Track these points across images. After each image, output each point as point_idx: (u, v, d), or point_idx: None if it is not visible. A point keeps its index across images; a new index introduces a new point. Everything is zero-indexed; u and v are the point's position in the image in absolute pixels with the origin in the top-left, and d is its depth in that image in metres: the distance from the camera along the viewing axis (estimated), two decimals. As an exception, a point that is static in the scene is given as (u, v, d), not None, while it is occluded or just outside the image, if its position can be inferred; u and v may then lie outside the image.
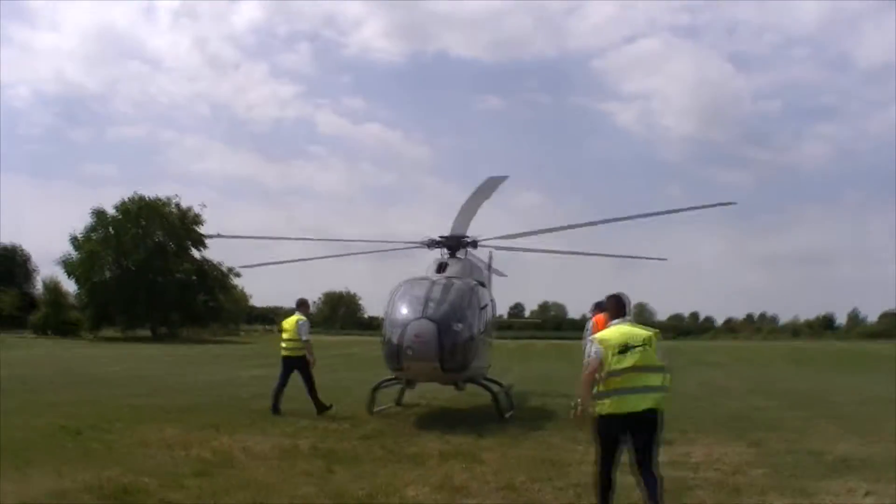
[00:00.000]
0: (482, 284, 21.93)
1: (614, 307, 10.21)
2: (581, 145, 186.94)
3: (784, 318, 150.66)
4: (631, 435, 9.46)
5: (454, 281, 20.27)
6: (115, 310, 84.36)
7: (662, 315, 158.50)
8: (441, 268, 21.52)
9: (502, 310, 23.38)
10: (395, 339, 18.60)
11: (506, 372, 22.49)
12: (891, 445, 15.93)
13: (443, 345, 18.22)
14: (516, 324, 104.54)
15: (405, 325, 18.54)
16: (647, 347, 9.55)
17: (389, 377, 20.27)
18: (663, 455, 10.80)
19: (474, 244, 23.14)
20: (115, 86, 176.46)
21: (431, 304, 18.87)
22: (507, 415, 19.88)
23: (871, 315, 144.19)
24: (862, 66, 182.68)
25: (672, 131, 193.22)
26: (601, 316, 14.52)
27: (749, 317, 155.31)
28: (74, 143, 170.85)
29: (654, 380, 9.60)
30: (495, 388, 20.68)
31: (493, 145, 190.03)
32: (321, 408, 19.98)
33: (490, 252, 25.83)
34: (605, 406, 9.42)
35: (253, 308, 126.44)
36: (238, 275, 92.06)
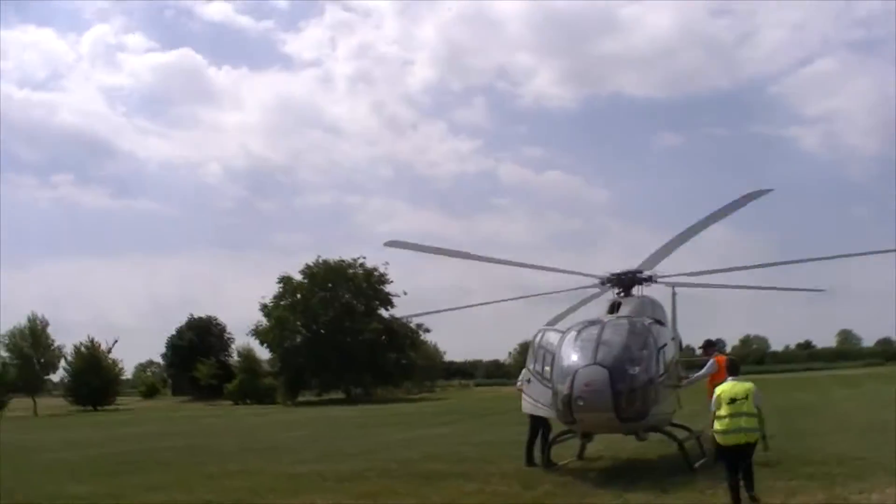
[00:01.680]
0: (660, 323, 19.62)
1: (730, 367, 14.71)
2: (764, 174, 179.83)
3: None
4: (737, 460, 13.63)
5: (627, 321, 18.32)
6: (308, 373, 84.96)
7: (869, 340, 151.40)
8: (614, 308, 19.65)
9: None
10: (564, 389, 16.87)
11: (696, 416, 20.26)
12: None
13: (617, 392, 16.38)
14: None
15: (574, 372, 16.80)
16: (746, 400, 13.62)
17: (565, 430, 18.31)
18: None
19: (651, 280, 20.99)
20: (299, 156, 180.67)
21: (602, 348, 17.08)
22: (698, 464, 17.59)
23: None
24: None
25: (858, 150, 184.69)
26: (721, 357, 18.18)
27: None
28: (264, 213, 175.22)
29: (749, 422, 13.57)
30: (682, 434, 18.49)
31: (674, 183, 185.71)
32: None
33: (673, 289, 23.63)
34: (720, 438, 13.70)
35: (452, 363, 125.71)
36: (428, 330, 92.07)
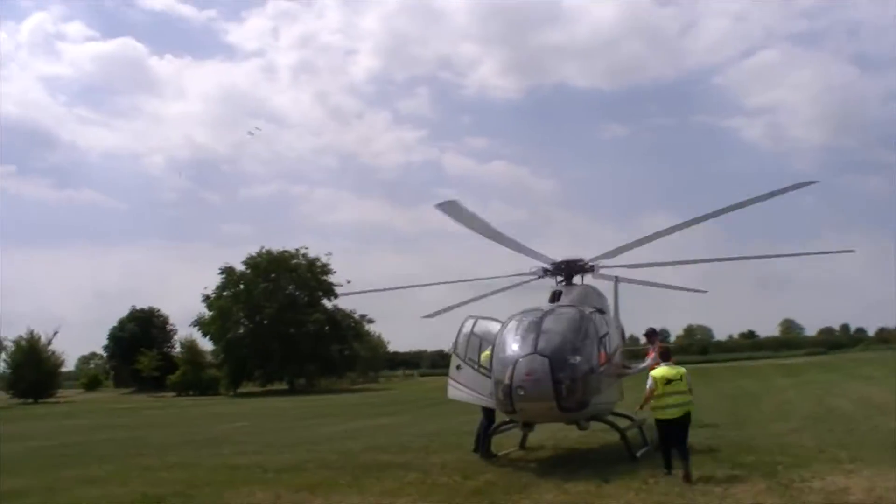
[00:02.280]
0: (602, 312, 19.55)
1: (664, 354, 16.46)
2: (710, 164, 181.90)
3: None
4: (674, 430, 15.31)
5: (568, 310, 18.25)
6: (251, 365, 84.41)
7: (811, 329, 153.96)
8: (555, 297, 19.60)
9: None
10: (505, 379, 16.68)
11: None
12: None
13: (557, 381, 16.28)
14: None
15: (514, 362, 16.65)
16: (680, 381, 15.58)
17: (506, 420, 18.21)
18: (817, 491, 13.12)
19: (592, 269, 20.96)
20: (242, 146, 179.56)
21: (543, 337, 16.98)
22: (640, 453, 17.62)
23: None
24: None
25: (802, 142, 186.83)
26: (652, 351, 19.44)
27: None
28: (208, 204, 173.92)
29: (683, 399, 15.56)
30: (624, 423, 18.48)
31: (620, 173, 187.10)
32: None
33: (616, 279, 23.63)
34: (658, 413, 15.53)
35: (396, 354, 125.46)
36: (371, 321, 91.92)
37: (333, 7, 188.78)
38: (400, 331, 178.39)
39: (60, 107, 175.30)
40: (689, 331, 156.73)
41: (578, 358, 16.77)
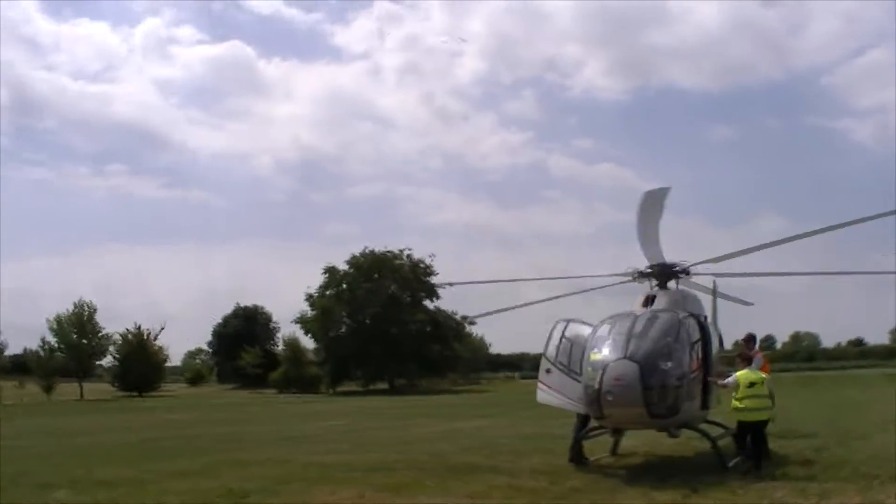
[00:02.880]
0: (696, 317, 19.06)
1: (746, 359, 17.49)
2: (820, 166, 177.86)
3: None
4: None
5: (660, 314, 17.86)
6: (352, 364, 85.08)
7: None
8: (648, 301, 19.17)
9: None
10: (594, 384, 16.40)
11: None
12: None
13: (647, 387, 15.94)
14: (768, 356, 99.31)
15: (604, 366, 16.37)
16: (761, 385, 16.56)
17: (595, 425, 17.87)
18: None
19: (686, 272, 20.49)
20: (349, 147, 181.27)
21: (633, 342, 16.65)
22: (732, 463, 17.09)
23: None
24: None
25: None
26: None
27: None
28: (315, 204, 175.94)
29: (763, 403, 16.58)
30: (716, 432, 18.00)
31: (728, 174, 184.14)
32: None
33: (714, 281, 23.10)
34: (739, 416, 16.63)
35: (499, 356, 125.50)
36: (473, 323, 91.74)
37: (439, 8, 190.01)
38: (503, 333, 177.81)
39: (172, 108, 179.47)
40: (796, 337, 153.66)
41: (669, 364, 16.40)
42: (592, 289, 22.78)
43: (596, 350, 17.04)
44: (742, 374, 16.65)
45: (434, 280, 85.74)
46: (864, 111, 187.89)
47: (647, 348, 16.49)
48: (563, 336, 18.86)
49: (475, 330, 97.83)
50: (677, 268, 20.30)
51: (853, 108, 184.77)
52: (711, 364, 17.81)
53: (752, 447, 16.58)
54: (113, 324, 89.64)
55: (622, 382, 15.90)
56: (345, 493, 15.12)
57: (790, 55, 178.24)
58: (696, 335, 17.68)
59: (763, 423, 16.68)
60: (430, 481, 16.36)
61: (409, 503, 14.14)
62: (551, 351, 18.91)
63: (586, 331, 18.40)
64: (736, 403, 16.60)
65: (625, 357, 16.27)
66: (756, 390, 16.42)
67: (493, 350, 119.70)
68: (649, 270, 20.31)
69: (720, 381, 17.51)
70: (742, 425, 16.70)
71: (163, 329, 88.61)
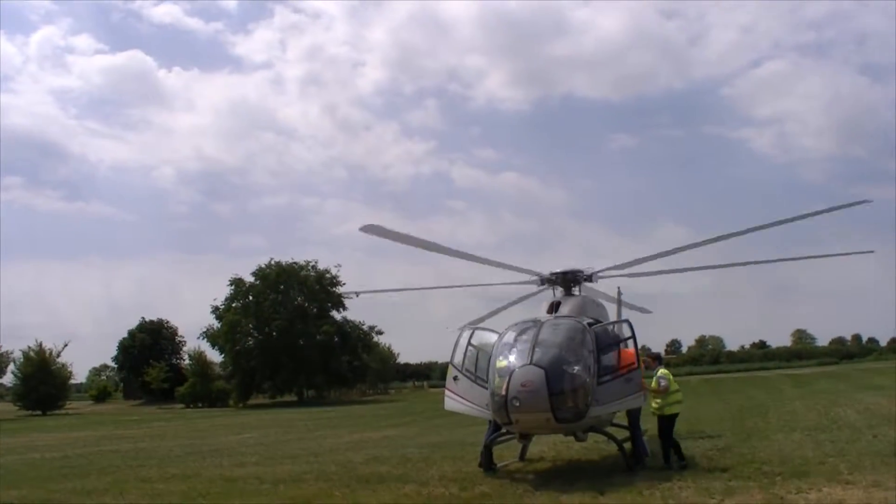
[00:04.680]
0: (600, 322, 19.36)
1: (660, 359, 18.82)
2: (719, 174, 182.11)
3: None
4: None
5: (565, 321, 18.12)
6: (260, 376, 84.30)
7: (823, 340, 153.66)
8: (553, 308, 19.40)
9: (658, 348, 21.59)
10: (501, 391, 16.55)
11: (646, 414, 20.37)
12: None
13: (553, 392, 16.11)
14: (672, 361, 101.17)
15: (510, 373, 16.52)
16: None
17: (504, 431, 18.03)
18: (813, 503, 12.86)
19: (588, 278, 20.84)
20: (252, 158, 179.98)
21: (539, 349, 16.83)
22: (644, 462, 17.47)
23: None
24: None
25: (812, 152, 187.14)
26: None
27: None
28: (219, 216, 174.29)
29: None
30: (623, 435, 18.29)
31: (629, 183, 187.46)
32: None
33: (619, 288, 23.54)
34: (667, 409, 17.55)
35: (407, 365, 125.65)
36: (381, 332, 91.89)
37: (341, 19, 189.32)
38: (411, 343, 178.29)
39: (71, 119, 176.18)
40: (702, 341, 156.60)
41: (575, 369, 16.62)
42: (517, 301, 22.86)
43: (502, 357, 17.23)
44: (668, 373, 18.04)
45: (340, 290, 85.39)
46: (762, 121, 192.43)
47: (553, 354, 16.69)
48: (469, 343, 18.98)
49: (383, 340, 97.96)
50: (581, 274, 20.61)
51: (752, 118, 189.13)
52: (618, 368, 18.04)
53: (669, 442, 17.74)
54: (15, 341, 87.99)
55: (528, 388, 16.04)
56: (252, 506, 15.06)
57: (690, 66, 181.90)
58: (602, 341, 17.95)
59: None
60: (339, 492, 16.38)
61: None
62: (458, 358, 19.01)
63: (492, 338, 18.56)
64: (675, 397, 17.85)
65: (530, 363, 16.42)
66: (676, 385, 18.05)
67: (402, 360, 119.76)
68: (553, 277, 20.59)
69: (653, 386, 17.83)
70: (670, 420, 17.70)
71: (66, 346, 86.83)
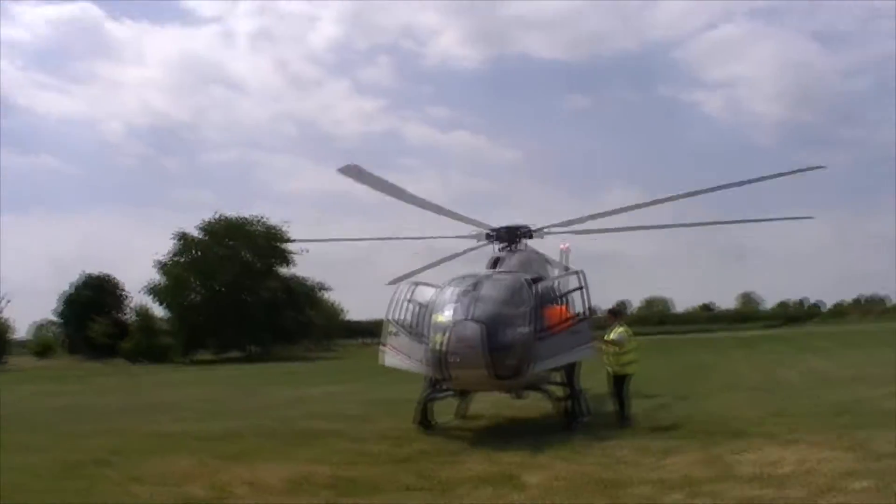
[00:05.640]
0: (544, 279, 19.20)
1: (617, 315, 19.12)
2: (671, 137, 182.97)
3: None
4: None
5: (505, 276, 17.97)
6: (206, 332, 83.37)
7: (771, 302, 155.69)
8: (495, 263, 19.22)
9: (605, 308, 21.61)
10: (438, 346, 16.35)
11: (593, 373, 20.34)
12: None
13: (492, 349, 15.94)
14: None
15: (449, 328, 16.34)
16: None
17: (442, 388, 17.84)
18: (750, 463, 12.73)
19: (530, 234, 20.68)
20: (202, 112, 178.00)
21: (478, 304, 16.67)
22: (583, 420, 17.41)
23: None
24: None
25: (762, 117, 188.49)
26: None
27: (857, 300, 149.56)
28: (167, 171, 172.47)
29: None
30: (562, 393, 18.17)
31: (582, 144, 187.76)
32: None
33: (567, 247, 23.46)
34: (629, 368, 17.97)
35: (356, 323, 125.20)
36: (328, 289, 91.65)
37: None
38: (359, 300, 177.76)
39: (17, 71, 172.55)
40: (649, 302, 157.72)
41: (514, 325, 16.49)
42: (459, 254, 22.69)
43: (440, 312, 17.03)
44: (626, 329, 18.46)
45: (290, 242, 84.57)
46: (713, 84, 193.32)
47: (492, 310, 16.53)
48: (408, 298, 18.76)
49: (329, 296, 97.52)
50: (525, 229, 20.45)
51: (703, 81, 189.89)
52: (562, 322, 17.86)
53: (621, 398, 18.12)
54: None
55: (466, 344, 15.91)
56: (183, 462, 14.72)
57: (644, 27, 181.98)
58: (545, 297, 17.79)
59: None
60: (273, 447, 16.27)
61: (248, 470, 13.79)
62: (396, 313, 18.81)
63: (432, 293, 18.34)
64: (630, 357, 18.19)
65: (469, 319, 16.27)
66: (634, 343, 18.49)
67: (351, 317, 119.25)
68: (497, 232, 20.42)
69: (609, 338, 18.12)
70: (626, 379, 18.09)
71: (9, 302, 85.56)
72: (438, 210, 20.82)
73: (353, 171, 19.25)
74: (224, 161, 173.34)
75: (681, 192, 20.36)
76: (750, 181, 19.74)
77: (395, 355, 18.55)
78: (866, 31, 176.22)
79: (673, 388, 25.40)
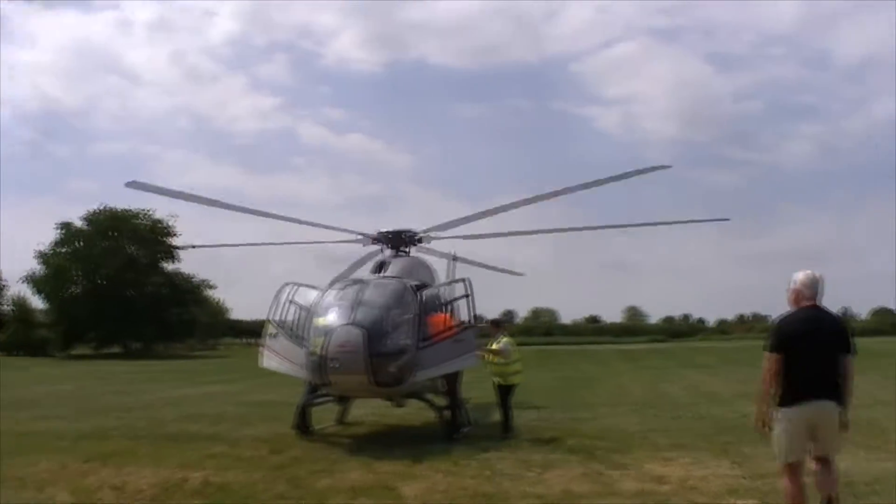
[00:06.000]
0: (428, 286, 18.85)
1: (499, 326, 18.60)
2: (564, 150, 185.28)
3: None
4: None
5: (388, 281, 17.70)
6: (86, 326, 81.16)
7: (655, 317, 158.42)
8: (378, 267, 18.87)
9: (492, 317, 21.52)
10: (319, 350, 15.92)
11: (476, 383, 20.06)
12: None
13: (372, 355, 15.59)
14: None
15: (329, 332, 15.94)
16: None
17: (321, 393, 17.36)
18: (632, 478, 12.49)
19: (418, 239, 20.43)
20: (95, 101, 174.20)
21: (360, 309, 16.32)
22: (458, 434, 17.03)
23: (863, 312, 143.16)
24: (840, 63, 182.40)
25: (655, 134, 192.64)
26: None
27: (741, 317, 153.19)
28: (56, 159, 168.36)
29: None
30: (444, 402, 17.82)
31: (475, 153, 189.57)
32: None
33: (454, 254, 23.18)
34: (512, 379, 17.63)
35: (241, 322, 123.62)
36: (213, 286, 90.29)
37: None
38: (245, 299, 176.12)
39: None
40: (536, 313, 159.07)
41: (396, 331, 16.17)
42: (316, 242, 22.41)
43: (321, 316, 16.63)
44: (511, 340, 18.05)
45: (176, 242, 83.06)
46: (609, 100, 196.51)
47: (374, 315, 16.17)
48: (289, 300, 18.28)
49: (216, 294, 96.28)
50: (409, 234, 20.19)
51: (600, 97, 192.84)
52: (446, 330, 17.51)
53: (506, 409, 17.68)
54: None
55: (346, 349, 15.51)
56: (44, 464, 13.93)
57: (544, 41, 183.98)
58: (429, 304, 17.44)
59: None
60: (144, 450, 15.58)
61: (116, 473, 13.12)
62: (277, 315, 18.30)
63: (314, 295, 17.88)
64: (516, 367, 17.75)
65: (350, 323, 15.88)
66: (518, 354, 18.17)
67: (237, 316, 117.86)
68: (382, 236, 20.10)
69: (493, 347, 17.64)
70: (511, 389, 17.66)
71: None
72: (302, 222, 20.61)
73: (140, 186, 19.42)
74: (116, 152, 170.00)
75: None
76: (598, 182, 19.38)
77: (275, 357, 18.03)
78: (758, 55, 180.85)
79: (557, 400, 25.25)
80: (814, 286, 9.19)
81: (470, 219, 20.26)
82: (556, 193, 19.91)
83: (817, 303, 9.18)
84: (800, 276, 9.25)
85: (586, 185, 19.52)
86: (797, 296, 9.21)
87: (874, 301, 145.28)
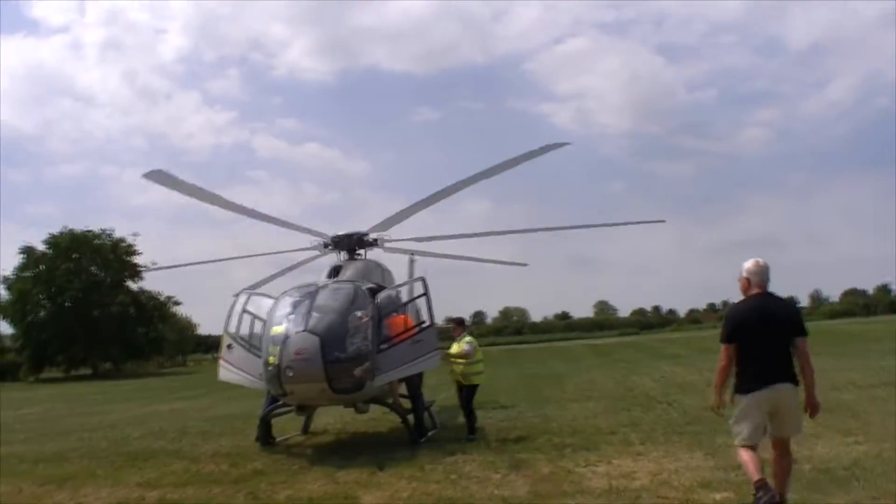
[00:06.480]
0: (384, 288, 18.64)
1: (462, 325, 18.03)
2: (521, 148, 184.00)
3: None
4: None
5: (343, 286, 17.48)
6: (53, 349, 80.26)
7: (625, 311, 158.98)
8: (333, 272, 18.70)
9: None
10: (274, 359, 15.71)
11: (444, 386, 19.84)
12: (881, 445, 13.24)
13: (329, 361, 15.38)
14: (473, 330, 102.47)
15: (284, 340, 15.69)
16: None
17: (280, 403, 17.12)
18: (601, 476, 12.29)
19: (372, 241, 20.21)
20: (49, 125, 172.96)
21: (315, 315, 16.08)
22: (423, 439, 16.96)
23: (833, 295, 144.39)
24: (791, 49, 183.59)
25: (610, 128, 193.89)
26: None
27: (711, 306, 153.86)
28: (13, 184, 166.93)
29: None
30: (408, 407, 17.64)
31: (432, 156, 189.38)
32: None
33: (411, 256, 23.01)
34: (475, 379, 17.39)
35: (209, 337, 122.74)
36: (179, 303, 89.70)
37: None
38: (213, 314, 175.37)
39: None
40: (506, 312, 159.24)
41: (353, 336, 15.92)
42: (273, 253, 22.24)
43: (276, 324, 16.37)
44: (473, 339, 17.65)
45: (137, 260, 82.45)
46: (563, 96, 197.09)
47: (329, 320, 15.93)
48: (244, 309, 18.02)
49: (183, 311, 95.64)
50: (361, 235, 20.05)
51: (553, 94, 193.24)
52: (404, 332, 17.30)
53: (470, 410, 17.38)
54: None
55: (302, 357, 15.28)
56: (3, 487, 13.83)
57: (494, 41, 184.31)
58: (385, 308, 17.23)
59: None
60: (102, 470, 15.37)
61: (71, 495, 12.95)
62: (233, 325, 18.06)
63: (268, 304, 17.63)
64: (478, 367, 17.36)
65: (304, 330, 15.65)
66: (480, 355, 17.71)
67: (203, 331, 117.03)
68: (337, 240, 19.92)
69: (456, 349, 17.34)
70: (473, 389, 17.31)
71: None
72: (267, 219, 20.51)
73: (160, 177, 18.34)
74: (72, 175, 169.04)
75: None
76: (497, 168, 19.28)
77: (232, 370, 17.80)
78: (708, 45, 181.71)
79: (524, 398, 25.06)
80: (761, 273, 9.34)
81: (406, 213, 20.00)
82: (477, 177, 19.53)
83: (766, 289, 9.32)
84: (748, 264, 9.42)
85: (489, 173, 19.28)
86: (746, 284, 9.38)
87: (843, 284, 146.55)
